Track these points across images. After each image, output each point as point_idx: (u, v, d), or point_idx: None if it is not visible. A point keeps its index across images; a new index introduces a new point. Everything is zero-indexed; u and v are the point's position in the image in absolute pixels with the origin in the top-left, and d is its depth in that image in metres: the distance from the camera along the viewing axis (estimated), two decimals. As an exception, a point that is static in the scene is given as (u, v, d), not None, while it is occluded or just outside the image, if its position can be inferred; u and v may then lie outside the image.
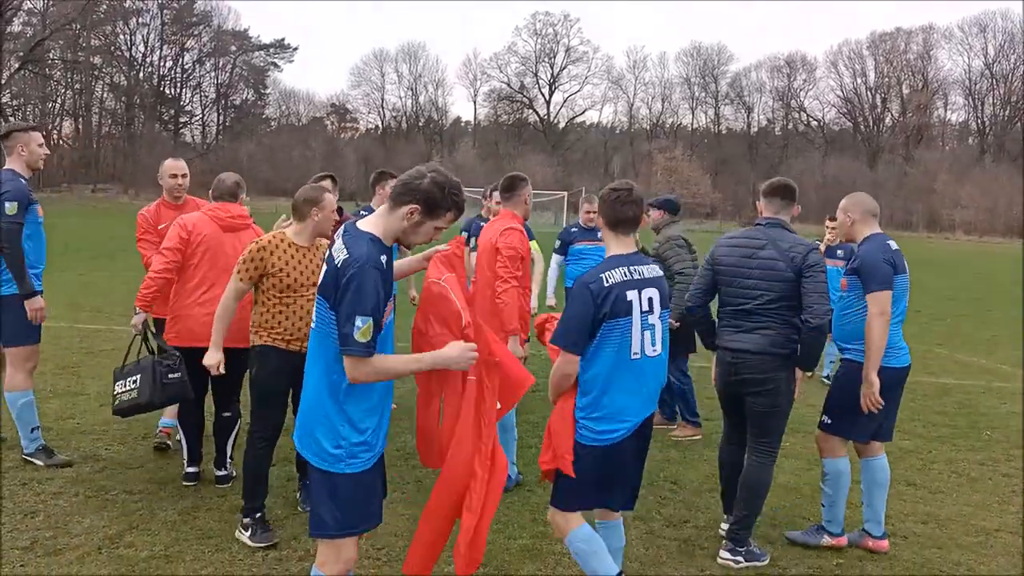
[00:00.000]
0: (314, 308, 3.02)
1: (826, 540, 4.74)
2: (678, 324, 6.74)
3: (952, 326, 14.94)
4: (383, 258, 2.90)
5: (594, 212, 7.81)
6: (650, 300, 3.53)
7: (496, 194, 6.67)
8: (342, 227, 3.04)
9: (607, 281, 3.44)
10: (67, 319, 11.02)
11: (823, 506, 4.80)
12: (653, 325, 3.54)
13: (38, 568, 4.06)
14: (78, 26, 67.20)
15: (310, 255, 4.54)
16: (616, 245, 3.65)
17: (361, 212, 6.52)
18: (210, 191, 5.33)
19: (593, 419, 3.52)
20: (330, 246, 3.01)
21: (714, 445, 6.72)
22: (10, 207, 5.11)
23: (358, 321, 2.78)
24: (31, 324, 5.32)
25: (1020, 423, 7.89)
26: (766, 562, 4.50)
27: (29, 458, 5.46)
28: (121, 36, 77.14)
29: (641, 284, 3.51)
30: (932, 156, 77.74)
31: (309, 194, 4.60)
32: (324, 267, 2.98)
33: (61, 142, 75.93)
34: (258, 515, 4.50)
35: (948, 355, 11.72)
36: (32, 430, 5.46)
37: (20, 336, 5.35)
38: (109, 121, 78.55)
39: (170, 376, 4.86)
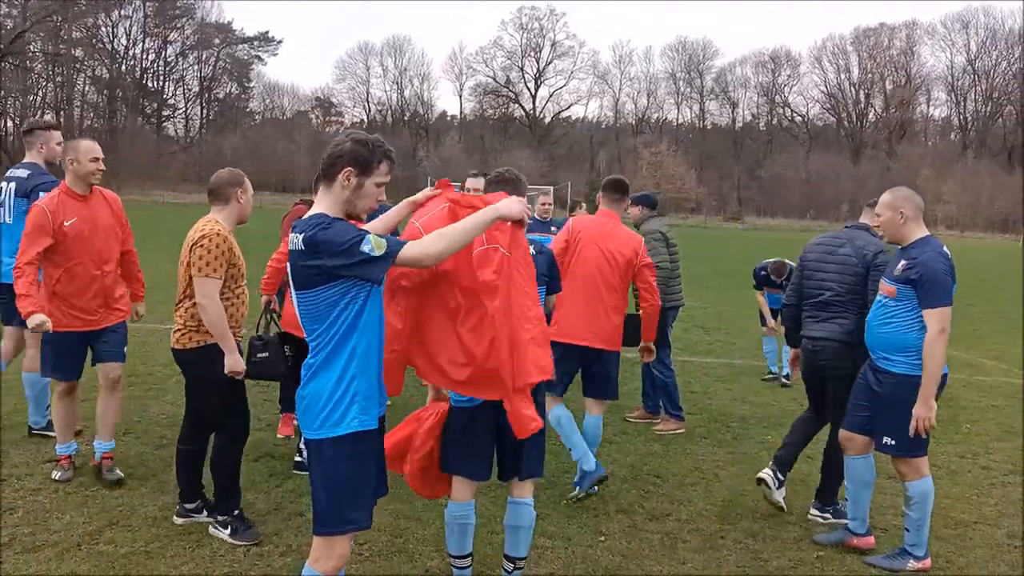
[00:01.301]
0: (295, 304, 3.03)
1: (912, 564, 4.45)
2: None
3: (933, 320, 15.02)
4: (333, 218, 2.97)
5: (550, 204, 8.73)
6: None
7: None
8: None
9: None
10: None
11: (907, 530, 4.51)
12: None
13: (16, 565, 4.02)
14: (59, 18, 66.61)
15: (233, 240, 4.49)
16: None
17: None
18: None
19: None
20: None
21: (697, 439, 6.77)
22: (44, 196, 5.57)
23: (363, 247, 2.82)
24: None
25: (1000, 417, 7.96)
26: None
27: (42, 431, 5.92)
28: (103, 28, 76.73)
29: None
30: (915, 151, 78.43)
31: (231, 177, 4.50)
32: (288, 264, 3.01)
33: (42, 135, 75.23)
34: (236, 512, 4.48)
35: (929, 349, 11.79)
36: (47, 408, 5.94)
37: None
38: (91, 114, 78.03)
39: (257, 355, 4.93)
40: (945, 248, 4.38)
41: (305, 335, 3.04)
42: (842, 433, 4.73)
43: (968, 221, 67.52)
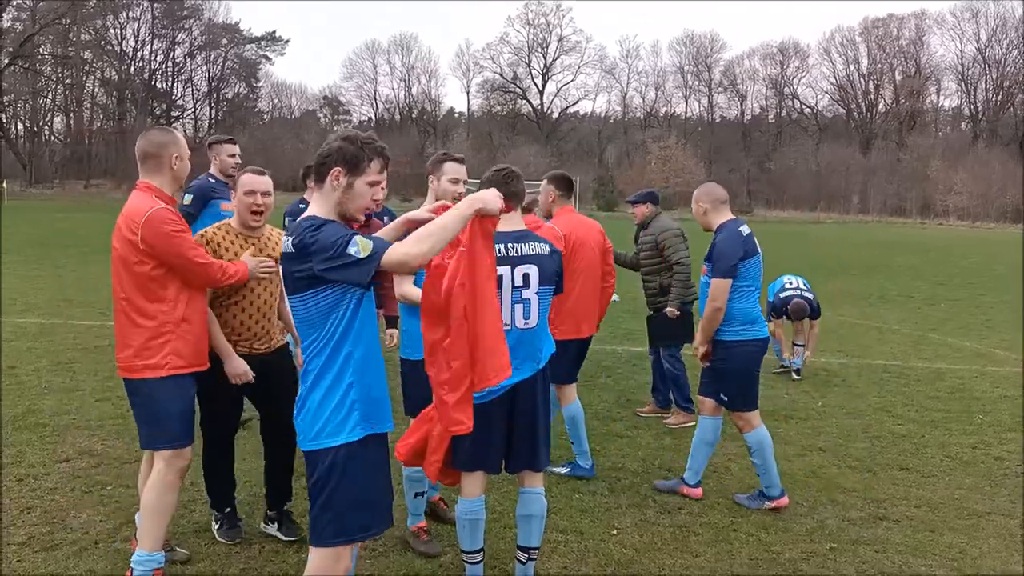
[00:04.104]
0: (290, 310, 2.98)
1: (767, 504, 5.14)
2: (679, 313, 6.78)
3: (946, 311, 14.99)
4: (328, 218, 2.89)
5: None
6: (525, 276, 3.73)
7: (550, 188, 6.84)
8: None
9: None
10: (60, 315, 11.00)
11: (759, 475, 5.18)
12: (527, 299, 3.74)
13: (35, 564, 4.07)
14: (68, 20, 66.88)
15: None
16: (505, 223, 3.75)
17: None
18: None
19: None
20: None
21: (708, 432, 6.76)
22: (186, 198, 5.98)
23: (349, 249, 2.73)
24: None
25: (1012, 407, 7.93)
26: None
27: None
28: (111, 30, 76.86)
29: (517, 261, 3.71)
30: (925, 142, 77.73)
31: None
32: (282, 270, 2.93)
33: (52, 138, 75.71)
34: (227, 510, 4.46)
35: (941, 340, 11.77)
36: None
37: None
38: (101, 116, 78.33)
39: None
40: (742, 228, 5.08)
41: (300, 342, 2.98)
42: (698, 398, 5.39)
43: (979, 211, 66.91)
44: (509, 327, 3.67)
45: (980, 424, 7.29)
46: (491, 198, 3.07)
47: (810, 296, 8.90)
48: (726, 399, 5.12)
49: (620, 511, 5.04)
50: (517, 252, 3.72)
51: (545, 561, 4.30)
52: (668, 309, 6.83)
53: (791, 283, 9.08)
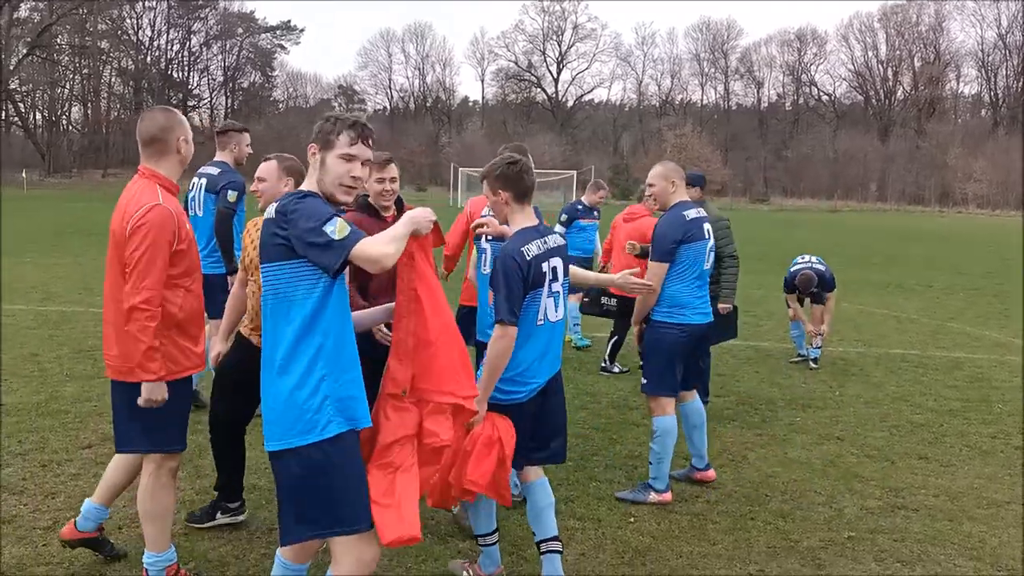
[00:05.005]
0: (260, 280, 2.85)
1: (652, 497, 4.96)
2: (731, 307, 6.69)
3: (964, 300, 14.87)
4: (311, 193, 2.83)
5: (606, 194, 9.69)
6: (555, 269, 3.69)
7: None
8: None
9: (528, 254, 3.55)
10: (81, 303, 11.12)
11: (651, 463, 5.00)
12: (557, 292, 3.72)
13: (60, 547, 4.11)
14: (84, 11, 67.24)
15: None
16: (523, 218, 3.71)
17: None
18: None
19: (502, 381, 3.58)
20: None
21: (725, 421, 6.77)
22: (232, 195, 5.89)
23: (327, 228, 2.63)
24: None
25: (1032, 396, 7.88)
26: None
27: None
28: (128, 20, 77.34)
29: (549, 254, 3.65)
30: (944, 129, 77.02)
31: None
32: (261, 236, 2.84)
33: (70, 127, 76.23)
34: (217, 495, 4.45)
35: (960, 329, 11.69)
36: None
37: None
38: (118, 106, 78.85)
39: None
40: (687, 211, 4.97)
41: (260, 322, 2.87)
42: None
43: (999, 199, 66.22)
44: (542, 322, 3.65)
45: (999, 413, 7.25)
46: (424, 221, 2.88)
47: (821, 268, 8.86)
48: (645, 382, 5.05)
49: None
50: (548, 245, 3.67)
51: (563, 548, 4.32)
52: (721, 305, 6.50)
53: (803, 258, 9.11)
